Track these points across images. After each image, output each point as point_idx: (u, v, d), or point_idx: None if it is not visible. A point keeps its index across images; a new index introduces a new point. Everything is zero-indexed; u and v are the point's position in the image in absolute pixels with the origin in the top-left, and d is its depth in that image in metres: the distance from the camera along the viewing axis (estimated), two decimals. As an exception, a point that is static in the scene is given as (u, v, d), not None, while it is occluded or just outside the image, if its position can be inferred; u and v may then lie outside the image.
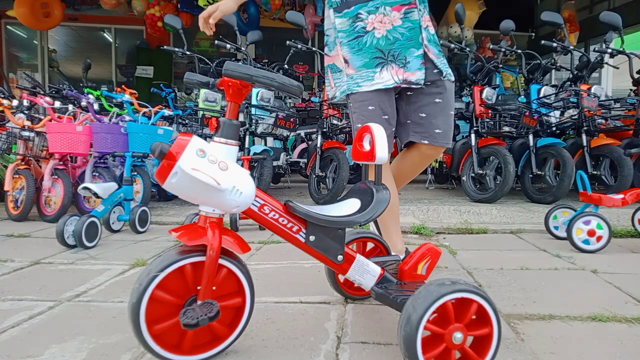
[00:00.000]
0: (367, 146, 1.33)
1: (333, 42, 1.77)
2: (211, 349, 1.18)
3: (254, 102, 3.98)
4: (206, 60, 4.22)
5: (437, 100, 1.70)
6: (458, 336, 1.06)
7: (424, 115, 1.71)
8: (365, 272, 1.31)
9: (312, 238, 1.23)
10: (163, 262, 1.08)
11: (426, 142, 1.72)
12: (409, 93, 1.73)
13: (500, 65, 4.23)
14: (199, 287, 1.12)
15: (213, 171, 1.02)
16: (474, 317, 1.10)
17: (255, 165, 3.70)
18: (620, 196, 2.49)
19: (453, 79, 1.75)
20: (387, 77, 1.65)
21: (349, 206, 1.32)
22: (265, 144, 4.31)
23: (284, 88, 1.13)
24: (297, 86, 1.15)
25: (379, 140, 1.27)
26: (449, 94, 1.73)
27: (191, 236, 1.08)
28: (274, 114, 4.16)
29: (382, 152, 1.27)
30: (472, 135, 3.92)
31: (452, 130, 1.78)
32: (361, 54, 1.66)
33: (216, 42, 3.89)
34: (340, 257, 1.27)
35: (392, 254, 1.57)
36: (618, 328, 1.45)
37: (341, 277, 1.60)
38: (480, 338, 1.10)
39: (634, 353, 1.28)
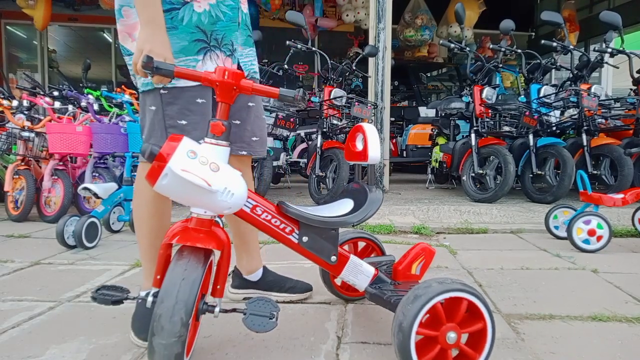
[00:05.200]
0: (359, 146, 1.32)
1: (127, 6, 1.30)
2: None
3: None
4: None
5: (250, 103, 1.47)
6: (452, 336, 1.07)
7: (238, 122, 1.46)
8: (359, 272, 1.30)
9: (305, 239, 1.23)
10: (190, 295, 0.98)
11: (244, 152, 1.49)
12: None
13: (500, 65, 4.22)
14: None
15: (204, 172, 0.99)
16: (466, 314, 1.10)
17: (255, 165, 3.69)
18: (621, 196, 2.49)
19: (258, 77, 1.51)
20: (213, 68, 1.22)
21: (342, 206, 1.31)
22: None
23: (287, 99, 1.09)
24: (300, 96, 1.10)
25: (371, 140, 1.26)
26: (259, 96, 1.48)
27: (201, 241, 1.04)
28: (273, 114, 4.16)
29: (375, 152, 1.26)
30: (472, 135, 3.92)
31: (266, 136, 1.57)
32: (176, 34, 1.25)
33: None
34: (333, 258, 1.26)
35: (388, 254, 1.57)
36: (618, 328, 1.45)
37: (338, 279, 1.60)
38: (475, 333, 1.10)
39: (634, 353, 1.28)
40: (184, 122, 1.31)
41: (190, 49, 1.28)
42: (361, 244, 1.64)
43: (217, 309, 1.07)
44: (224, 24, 1.32)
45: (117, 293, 1.14)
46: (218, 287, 1.11)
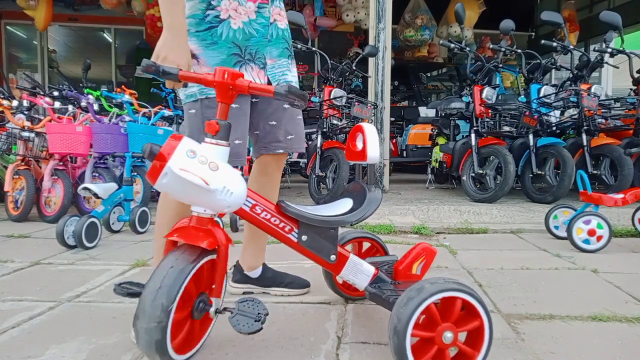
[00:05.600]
0: (359, 146, 1.33)
1: None
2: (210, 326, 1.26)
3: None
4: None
5: (285, 105, 1.56)
6: (448, 335, 1.07)
7: (274, 123, 1.56)
8: (358, 272, 1.31)
9: (304, 238, 1.24)
10: (175, 282, 1.00)
11: (281, 150, 1.59)
12: (254, 100, 1.52)
13: (500, 65, 4.22)
14: (214, 286, 1.13)
15: (202, 172, 1.01)
16: (462, 312, 1.10)
17: (255, 165, 3.69)
18: (621, 195, 2.49)
19: (296, 86, 1.61)
20: (249, 79, 1.32)
21: (341, 206, 1.33)
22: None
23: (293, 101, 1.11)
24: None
25: (371, 139, 1.27)
26: None
27: (195, 239, 1.05)
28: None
29: (374, 151, 1.27)
30: (472, 135, 3.92)
31: (304, 134, 1.67)
32: (216, 49, 1.38)
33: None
34: (333, 257, 1.27)
35: (390, 254, 1.57)
36: (618, 328, 1.45)
37: (339, 279, 1.60)
38: (473, 332, 1.11)
39: (634, 353, 1.28)
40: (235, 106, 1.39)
41: (228, 62, 1.39)
42: (365, 244, 1.64)
43: (212, 309, 1.10)
44: (257, 39, 1.44)
45: (135, 288, 1.16)
46: (213, 286, 1.13)
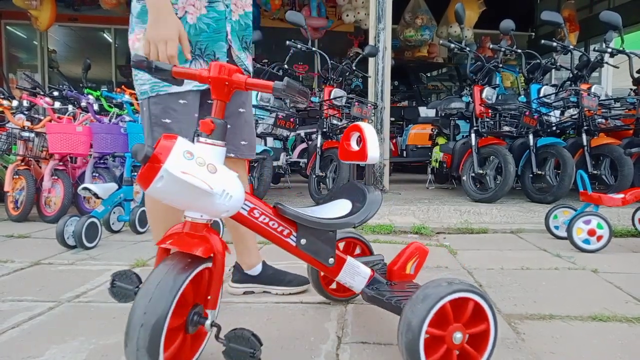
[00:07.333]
0: (355, 145, 1.29)
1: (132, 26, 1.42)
2: (203, 342, 1.17)
3: (253, 102, 3.97)
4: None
5: (240, 110, 1.54)
6: (458, 336, 1.06)
7: (228, 126, 1.50)
8: (355, 274, 1.28)
9: (303, 241, 1.19)
10: (167, 298, 0.91)
11: (232, 155, 1.54)
12: (209, 101, 1.34)
13: (500, 65, 4.22)
14: (209, 297, 1.04)
15: (203, 174, 0.94)
16: (470, 315, 1.10)
17: (255, 165, 3.69)
18: (621, 195, 2.49)
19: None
20: None
21: (340, 207, 1.29)
22: (265, 144, 4.31)
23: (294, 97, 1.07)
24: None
25: (370, 139, 1.23)
26: (249, 101, 1.59)
27: (188, 246, 0.97)
28: (273, 114, 4.16)
29: (374, 151, 1.23)
30: (472, 135, 3.91)
31: (255, 142, 1.65)
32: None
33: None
34: (331, 260, 1.23)
35: (376, 255, 1.54)
36: (618, 328, 1.45)
37: (333, 283, 1.58)
38: (478, 334, 1.10)
39: (634, 353, 1.28)
40: (167, 120, 1.40)
41: (181, 59, 1.32)
42: (347, 244, 1.61)
43: (207, 322, 1.02)
44: (208, 35, 1.42)
45: (129, 286, 1.06)
46: (209, 297, 1.04)
